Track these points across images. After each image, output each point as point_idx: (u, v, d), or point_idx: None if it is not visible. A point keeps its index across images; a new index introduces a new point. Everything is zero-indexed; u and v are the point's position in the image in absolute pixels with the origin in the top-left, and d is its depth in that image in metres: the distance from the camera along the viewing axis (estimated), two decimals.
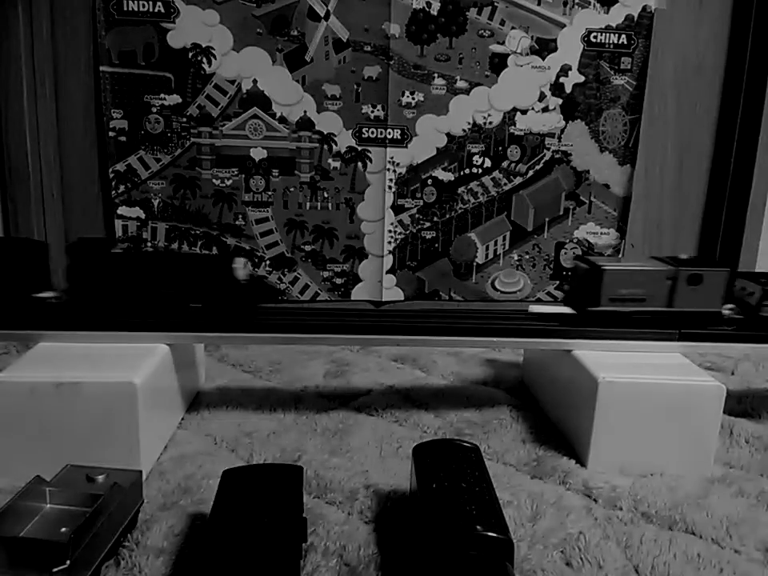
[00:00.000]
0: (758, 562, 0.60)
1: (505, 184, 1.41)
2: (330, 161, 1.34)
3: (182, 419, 0.84)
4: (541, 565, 0.58)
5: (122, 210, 1.31)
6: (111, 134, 1.28)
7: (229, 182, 1.33)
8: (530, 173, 1.41)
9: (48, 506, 0.54)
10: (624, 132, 1.40)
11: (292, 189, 1.35)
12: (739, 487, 0.72)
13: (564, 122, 1.38)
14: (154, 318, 0.78)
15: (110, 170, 1.29)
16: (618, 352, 0.83)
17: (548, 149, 1.40)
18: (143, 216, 1.32)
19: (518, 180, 1.41)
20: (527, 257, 1.45)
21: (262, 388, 0.96)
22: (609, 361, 0.79)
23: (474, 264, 1.43)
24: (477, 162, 1.39)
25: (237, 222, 1.35)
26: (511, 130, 1.38)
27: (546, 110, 1.37)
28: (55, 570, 0.45)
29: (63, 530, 0.52)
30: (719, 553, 0.61)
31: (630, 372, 0.76)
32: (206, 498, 0.63)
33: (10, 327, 0.78)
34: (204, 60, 1.27)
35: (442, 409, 0.89)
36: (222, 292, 0.79)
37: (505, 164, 1.40)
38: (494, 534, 0.52)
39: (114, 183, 1.30)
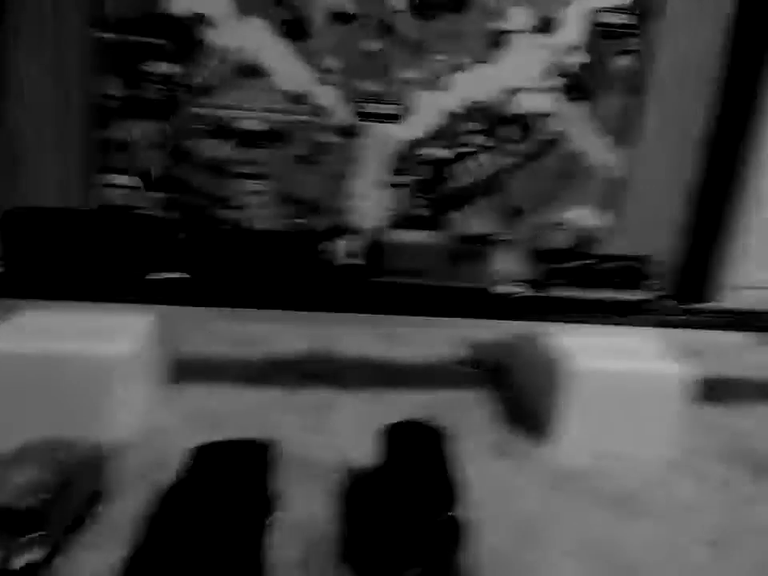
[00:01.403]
0: (704, 544, 0.63)
1: (500, 164, 1.40)
2: (327, 135, 1.35)
3: (162, 391, 0.86)
4: (496, 544, 0.60)
5: (114, 178, 1.33)
6: (108, 101, 1.28)
7: (224, 153, 1.33)
8: (527, 152, 1.40)
9: (17, 477, 0.56)
10: (625, 113, 1.39)
11: (288, 162, 1.35)
12: (696, 471, 0.74)
13: (565, 102, 1.37)
14: (138, 290, 0.80)
15: (102, 136, 1.30)
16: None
17: (547, 128, 1.39)
18: (141, 185, 1.33)
19: (515, 159, 1.40)
20: (520, 236, 1.45)
21: (242, 359, 0.98)
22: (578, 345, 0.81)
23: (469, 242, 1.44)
24: (475, 140, 1.38)
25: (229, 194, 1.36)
26: (511, 109, 1.37)
27: (547, 89, 1.36)
28: (28, 536, 0.47)
29: (32, 499, 0.54)
30: (668, 536, 0.64)
31: (598, 358, 0.78)
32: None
33: None
34: (205, 29, 1.26)
35: (417, 389, 0.92)
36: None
37: (502, 143, 1.39)
38: (450, 514, 0.54)
39: (104, 151, 1.31)
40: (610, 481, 0.72)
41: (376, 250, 0.84)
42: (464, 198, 1.41)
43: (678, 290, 1.50)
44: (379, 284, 0.84)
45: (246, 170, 1.34)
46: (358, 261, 0.88)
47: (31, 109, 1.25)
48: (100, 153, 1.30)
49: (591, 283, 0.86)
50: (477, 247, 0.85)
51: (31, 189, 1.28)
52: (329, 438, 0.78)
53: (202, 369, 0.93)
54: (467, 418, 0.85)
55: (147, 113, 1.29)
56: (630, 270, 0.89)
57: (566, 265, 0.89)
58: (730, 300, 1.49)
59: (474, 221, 1.42)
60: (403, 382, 0.94)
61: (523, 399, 0.90)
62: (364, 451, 0.73)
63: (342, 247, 0.86)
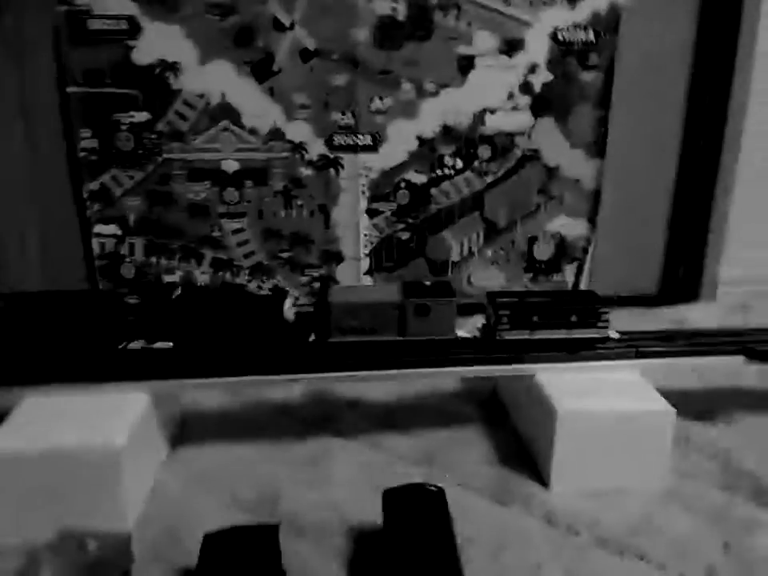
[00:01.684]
0: None
1: (476, 183, 1.42)
2: (302, 169, 1.36)
3: (162, 460, 0.88)
4: None
5: (98, 228, 1.33)
6: (82, 153, 1.28)
7: (202, 195, 1.34)
8: (502, 171, 1.43)
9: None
10: (593, 127, 1.41)
11: (266, 198, 1.36)
12: (689, 504, 0.78)
13: (533, 120, 1.39)
14: (132, 366, 0.81)
15: (83, 189, 1.30)
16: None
17: (518, 146, 1.41)
18: (119, 232, 1.34)
19: (490, 178, 1.43)
20: (501, 252, 1.48)
21: (240, 411, 1.00)
22: (569, 387, 0.84)
23: (450, 261, 1.47)
24: (448, 162, 1.40)
25: (213, 234, 1.37)
26: (482, 130, 1.39)
27: (515, 108, 1.38)
28: None
29: None
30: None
31: (587, 399, 0.81)
32: (192, 549, 0.68)
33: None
34: (171, 75, 1.26)
35: (415, 428, 0.94)
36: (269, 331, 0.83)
37: (476, 163, 1.41)
38: None
39: (88, 203, 1.31)
40: (606, 522, 0.75)
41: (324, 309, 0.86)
42: (444, 219, 1.43)
43: (667, 290, 1.55)
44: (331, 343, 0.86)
45: (223, 209, 1.35)
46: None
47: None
48: (81, 206, 1.31)
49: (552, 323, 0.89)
50: (435, 302, 0.86)
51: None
52: (331, 495, 0.80)
53: (197, 427, 0.95)
54: (464, 462, 0.87)
55: (121, 162, 1.30)
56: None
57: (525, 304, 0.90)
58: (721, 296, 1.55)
59: (455, 240, 1.44)
60: (397, 424, 0.97)
61: (519, 438, 0.93)
62: (366, 509, 0.76)
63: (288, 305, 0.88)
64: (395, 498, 0.65)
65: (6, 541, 0.69)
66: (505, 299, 0.93)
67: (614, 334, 0.93)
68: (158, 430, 0.86)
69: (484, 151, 1.41)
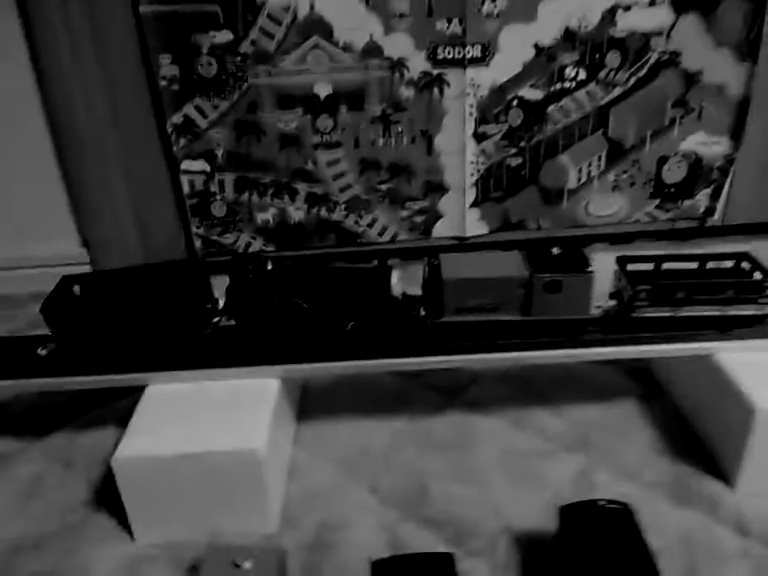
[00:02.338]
0: None
1: (602, 97, 1.23)
2: (402, 90, 1.20)
3: (294, 436, 0.83)
4: None
5: (185, 165, 1.23)
6: (163, 82, 1.16)
7: (294, 124, 1.21)
8: (632, 80, 1.23)
9: None
10: (744, 23, 1.17)
11: (362, 125, 1.22)
12: None
13: (674, 17, 1.17)
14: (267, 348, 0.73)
15: (168, 122, 1.19)
16: None
17: (654, 50, 1.20)
18: (208, 169, 1.24)
19: (618, 91, 1.23)
20: (625, 176, 1.30)
21: (365, 380, 0.93)
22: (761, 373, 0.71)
23: (566, 189, 1.31)
24: (569, 74, 1.21)
25: (306, 167, 1.25)
26: (611, 33, 1.18)
27: (652, 4, 1.16)
28: None
29: None
30: None
31: None
32: (349, 559, 0.63)
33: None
34: None
35: (561, 403, 0.85)
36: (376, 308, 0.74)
37: (603, 73, 1.21)
38: None
39: (173, 137, 1.20)
40: None
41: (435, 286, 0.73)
42: (562, 141, 1.26)
43: None
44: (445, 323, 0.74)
45: (317, 139, 1.22)
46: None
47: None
48: (167, 142, 1.20)
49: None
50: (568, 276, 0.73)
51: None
52: (482, 490, 0.72)
53: (319, 399, 0.89)
54: (627, 449, 0.78)
55: (205, 90, 1.17)
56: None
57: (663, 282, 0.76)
58: None
59: (573, 165, 1.28)
60: (539, 396, 0.87)
61: (686, 421, 0.81)
62: (525, 508, 0.69)
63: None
64: (573, 518, 0.57)
65: (151, 543, 0.67)
66: (639, 266, 0.79)
67: None
68: (290, 416, 0.80)
69: (612, 58, 1.21)
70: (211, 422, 0.69)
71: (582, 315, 0.74)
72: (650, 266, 0.78)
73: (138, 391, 0.74)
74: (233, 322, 0.74)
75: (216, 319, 0.76)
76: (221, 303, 0.76)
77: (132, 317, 0.72)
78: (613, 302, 0.79)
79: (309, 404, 0.87)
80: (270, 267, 0.74)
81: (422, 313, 0.75)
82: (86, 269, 1.23)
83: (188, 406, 0.71)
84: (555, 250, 0.75)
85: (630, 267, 0.78)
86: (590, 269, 0.72)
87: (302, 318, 0.73)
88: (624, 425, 0.81)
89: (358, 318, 0.73)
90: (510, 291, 0.72)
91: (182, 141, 1.21)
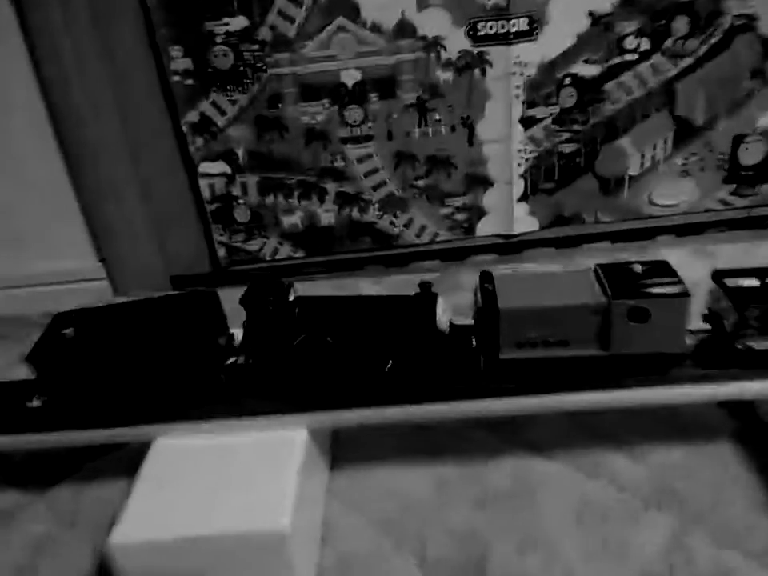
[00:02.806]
0: None
1: (669, 69, 1.08)
2: (438, 73, 1.06)
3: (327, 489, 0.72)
4: None
5: (204, 167, 1.13)
6: (175, 77, 1.06)
7: (320, 117, 1.09)
8: (703, 49, 1.07)
9: None
10: None
11: (395, 115, 1.09)
12: None
13: None
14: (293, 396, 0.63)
15: (182, 121, 1.09)
16: None
17: (727, 14, 1.04)
18: (229, 171, 1.13)
19: (686, 62, 1.07)
20: (695, 159, 1.15)
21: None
22: None
23: (626, 177, 1.16)
24: (630, 45, 1.06)
25: (335, 164, 1.13)
26: None
27: None
28: None
29: None
30: None
31: None
32: None
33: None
34: None
35: (639, 444, 0.73)
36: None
37: (669, 42, 1.06)
38: None
39: (189, 137, 1.10)
40: None
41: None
42: (622, 122, 1.11)
43: None
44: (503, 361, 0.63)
45: (345, 132, 1.10)
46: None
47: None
48: (182, 142, 1.10)
49: None
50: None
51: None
52: (555, 563, 0.61)
53: (352, 446, 0.78)
54: (723, 507, 0.65)
55: (221, 83, 1.06)
56: None
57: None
58: None
59: (635, 149, 1.13)
60: (610, 436, 0.75)
61: None
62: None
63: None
64: None
65: None
66: (744, 282, 0.65)
67: None
68: (321, 469, 0.70)
69: (680, 25, 1.05)
70: (226, 490, 0.59)
71: (676, 349, 0.61)
72: (755, 282, 0.64)
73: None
74: (251, 363, 0.64)
75: (232, 360, 0.65)
76: (238, 338, 0.66)
77: (133, 360, 0.63)
78: (706, 326, 0.66)
79: (342, 448, 0.76)
80: (292, 297, 0.63)
81: (474, 347, 0.63)
82: (104, 285, 1.14)
83: (199, 468, 0.61)
84: (638, 267, 0.62)
85: (729, 282, 0.64)
86: (685, 290, 0.59)
87: (331, 357, 0.62)
88: (719, 473, 0.67)
89: (398, 357, 0.62)
90: (583, 321, 0.60)
91: (199, 141, 1.10)
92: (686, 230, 1.21)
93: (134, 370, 0.63)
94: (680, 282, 0.60)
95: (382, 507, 0.68)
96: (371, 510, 0.68)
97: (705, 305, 0.68)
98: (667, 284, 0.60)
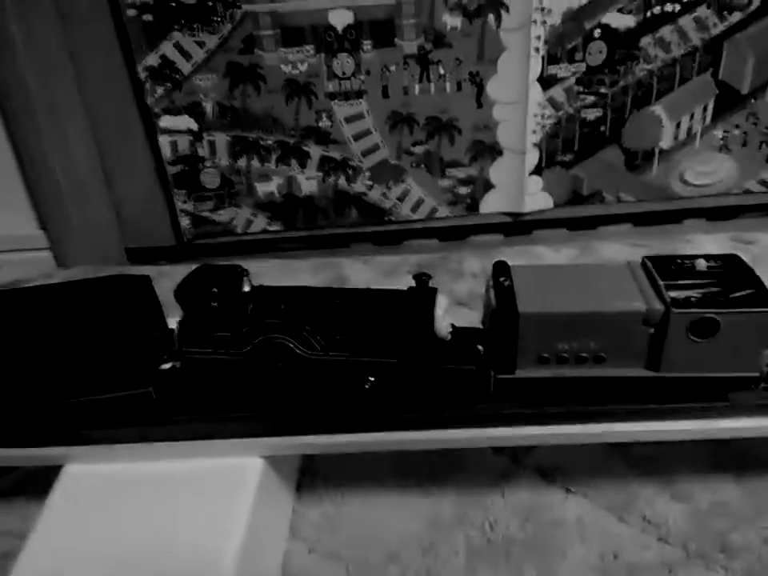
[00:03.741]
0: None
1: (714, 25, 0.92)
2: (445, 17, 0.90)
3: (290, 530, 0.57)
4: None
5: (165, 122, 0.96)
6: (131, 12, 0.88)
7: (303, 67, 0.93)
8: (756, 3, 0.90)
9: None
10: None
11: (393, 67, 0.93)
12: None
13: None
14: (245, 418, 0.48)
15: (139, 66, 0.92)
16: None
17: None
18: (195, 127, 0.96)
19: (736, 17, 0.91)
20: (736, 132, 0.99)
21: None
22: None
23: (657, 150, 1.00)
24: None
25: (320, 124, 0.97)
26: None
27: None
28: None
29: None
30: None
31: None
32: None
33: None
34: None
35: (676, 474, 0.58)
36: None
37: None
38: None
39: (147, 85, 0.93)
40: None
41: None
42: (657, 85, 0.95)
43: None
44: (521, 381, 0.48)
45: (333, 86, 0.93)
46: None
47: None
48: (140, 91, 0.93)
49: None
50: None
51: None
52: None
53: (330, 466, 0.63)
54: None
55: (186, 20, 0.89)
56: None
57: None
58: None
59: (669, 117, 0.97)
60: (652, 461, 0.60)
61: None
62: None
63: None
64: None
65: None
66: None
67: None
68: (280, 507, 0.55)
69: None
70: (150, 537, 0.44)
71: (748, 372, 0.46)
72: None
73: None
74: (188, 373, 0.49)
75: (167, 366, 0.50)
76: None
77: (38, 364, 0.48)
78: None
79: (312, 474, 0.61)
80: (247, 289, 0.48)
81: (483, 360, 0.48)
82: (45, 256, 0.99)
83: (119, 505, 0.47)
84: (702, 264, 0.47)
85: None
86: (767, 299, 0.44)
87: (295, 368, 0.47)
88: None
89: (382, 372, 0.47)
90: (628, 333, 0.45)
91: (159, 90, 0.93)
92: (719, 213, 1.06)
93: (38, 377, 0.48)
94: (761, 285, 0.46)
95: (359, 554, 0.54)
96: (345, 557, 0.54)
97: None
98: (744, 288, 0.45)
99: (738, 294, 0.45)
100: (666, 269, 0.48)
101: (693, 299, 0.44)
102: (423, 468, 0.61)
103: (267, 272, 0.93)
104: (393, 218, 1.04)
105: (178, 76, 0.93)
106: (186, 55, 0.92)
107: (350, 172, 1.00)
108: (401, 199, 1.03)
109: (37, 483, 0.57)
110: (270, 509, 0.52)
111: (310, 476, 0.61)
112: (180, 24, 0.89)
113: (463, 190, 1.02)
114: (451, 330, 0.48)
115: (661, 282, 0.46)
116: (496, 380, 0.48)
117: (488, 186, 1.02)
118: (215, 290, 0.46)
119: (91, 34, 0.90)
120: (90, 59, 0.91)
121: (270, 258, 1.01)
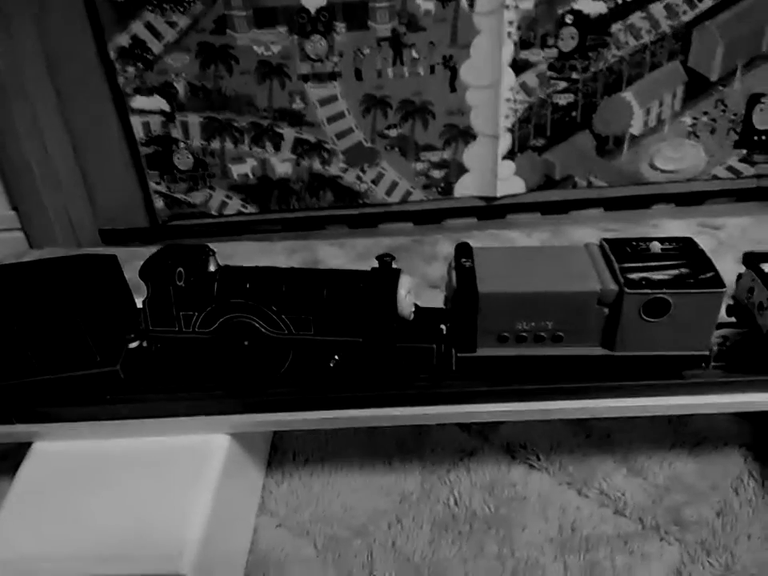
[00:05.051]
0: None
1: (685, 12, 0.93)
2: (418, 0, 0.90)
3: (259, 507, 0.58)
4: None
5: (136, 102, 0.95)
6: None
7: (276, 48, 0.92)
8: None
9: None
10: None
11: (366, 50, 0.93)
12: None
13: None
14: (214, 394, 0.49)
15: (109, 45, 0.91)
16: None
17: None
18: (167, 108, 0.96)
19: (706, 4, 0.92)
20: (705, 119, 1.01)
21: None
22: None
23: (627, 135, 1.02)
24: None
25: (293, 106, 0.97)
26: None
27: None
28: None
29: None
30: None
31: None
32: None
33: None
34: None
35: (634, 450, 0.60)
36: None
37: None
38: None
39: (118, 65, 0.92)
40: None
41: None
42: (626, 72, 0.96)
43: None
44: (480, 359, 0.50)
45: (306, 68, 0.93)
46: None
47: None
48: (112, 71, 0.92)
49: None
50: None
51: None
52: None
53: (298, 442, 0.64)
54: (740, 535, 0.53)
55: (156, 1, 0.88)
56: None
57: None
58: None
59: (639, 103, 0.98)
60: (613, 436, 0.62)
61: None
62: None
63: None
64: None
65: None
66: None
67: None
68: (247, 483, 0.56)
69: None
70: (116, 514, 0.45)
71: (698, 350, 0.48)
72: None
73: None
74: (155, 350, 0.50)
75: (133, 344, 0.51)
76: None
77: (5, 343, 0.48)
78: (731, 320, 0.53)
79: (281, 450, 0.63)
80: (212, 268, 0.48)
81: (446, 340, 0.50)
82: (17, 236, 0.98)
83: (86, 482, 0.48)
84: (656, 246, 0.49)
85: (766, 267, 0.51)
86: (718, 280, 0.46)
87: (261, 347, 0.48)
88: (728, 496, 0.56)
89: (346, 350, 0.48)
90: (584, 313, 0.47)
91: (130, 70, 0.93)
92: (688, 199, 1.08)
93: (5, 355, 0.49)
94: (711, 267, 0.47)
95: (326, 529, 0.55)
96: (314, 531, 0.55)
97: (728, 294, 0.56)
98: (695, 270, 0.47)
99: (690, 276, 0.46)
100: (622, 251, 0.49)
101: (645, 281, 0.46)
102: (390, 444, 0.63)
103: (242, 254, 0.94)
104: (367, 201, 1.05)
105: (149, 56, 0.92)
106: (157, 35, 0.91)
107: (325, 155, 1.00)
108: (375, 182, 1.03)
109: (6, 460, 0.58)
110: (237, 484, 0.53)
111: (279, 453, 0.63)
112: (152, 3, 0.89)
113: (437, 174, 1.03)
114: (414, 309, 0.49)
115: (616, 264, 0.47)
116: (458, 358, 0.49)
117: (462, 169, 1.03)
118: (181, 269, 0.47)
119: (61, 14, 0.89)
120: (60, 40, 0.90)
121: (244, 241, 1.02)
